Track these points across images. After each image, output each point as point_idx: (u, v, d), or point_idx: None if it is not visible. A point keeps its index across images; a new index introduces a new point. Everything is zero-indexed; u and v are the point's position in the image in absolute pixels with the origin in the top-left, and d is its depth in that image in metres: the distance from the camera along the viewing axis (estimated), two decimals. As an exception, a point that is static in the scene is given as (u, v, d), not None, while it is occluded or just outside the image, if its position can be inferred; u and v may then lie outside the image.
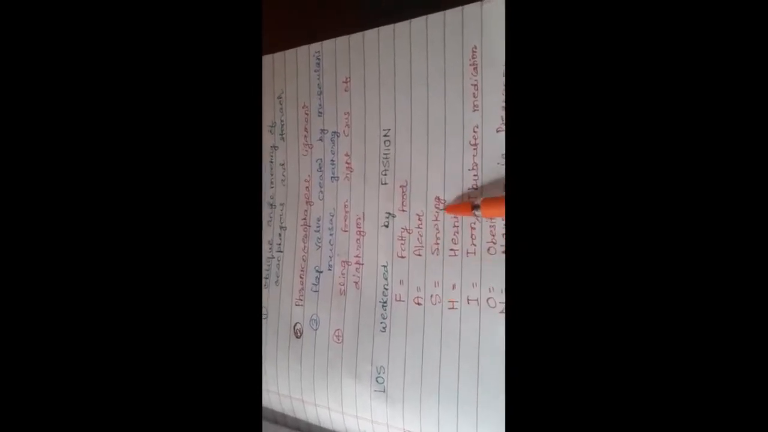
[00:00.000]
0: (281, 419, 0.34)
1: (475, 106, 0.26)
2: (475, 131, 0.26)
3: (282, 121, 0.34)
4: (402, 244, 0.29)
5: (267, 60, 0.34)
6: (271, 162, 0.34)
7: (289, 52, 0.33)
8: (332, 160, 0.32)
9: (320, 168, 0.32)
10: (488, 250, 0.26)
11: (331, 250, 0.31)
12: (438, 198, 0.27)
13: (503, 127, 0.25)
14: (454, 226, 0.27)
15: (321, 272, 0.32)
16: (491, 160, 0.26)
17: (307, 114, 0.33)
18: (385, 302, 0.29)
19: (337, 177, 0.31)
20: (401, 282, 0.28)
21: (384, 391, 0.28)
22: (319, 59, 0.32)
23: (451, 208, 0.26)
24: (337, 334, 0.31)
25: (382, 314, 0.29)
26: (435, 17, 0.27)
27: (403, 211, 0.29)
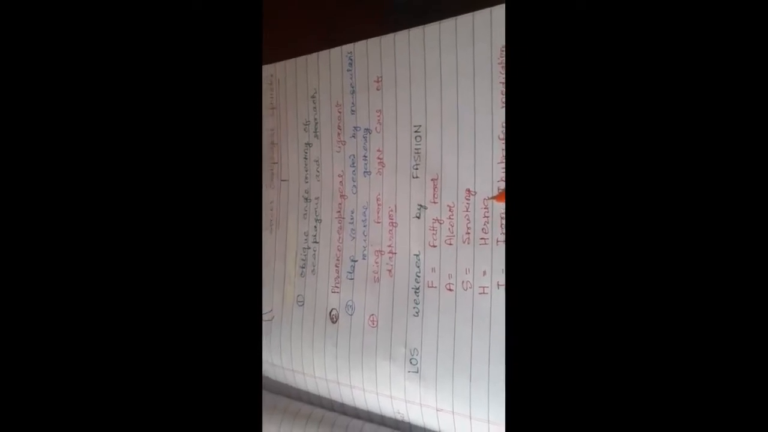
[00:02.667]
0: (316, 401, 0.36)
1: (503, 102, 0.28)
2: (503, 126, 0.28)
3: (316, 119, 0.36)
4: (433, 234, 0.30)
5: (300, 61, 0.36)
6: (306, 158, 0.36)
7: (323, 54, 0.35)
8: (365, 156, 0.33)
9: (353, 163, 0.34)
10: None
11: (364, 240, 0.33)
12: (468, 190, 0.29)
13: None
14: (485, 216, 0.28)
15: (356, 261, 0.34)
16: (519, 153, 0.27)
17: (340, 112, 0.34)
18: (418, 288, 0.31)
19: (370, 172, 0.33)
20: (433, 269, 0.30)
21: (417, 372, 0.30)
22: (351, 60, 0.34)
23: (500, 197, 0.28)
24: (371, 318, 0.32)
25: (414, 300, 0.31)
26: (464, 19, 0.29)
27: (435, 202, 0.30)
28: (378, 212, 0.33)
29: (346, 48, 0.34)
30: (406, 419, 0.32)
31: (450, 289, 0.29)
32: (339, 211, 0.35)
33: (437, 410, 0.30)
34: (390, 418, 0.32)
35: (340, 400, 0.34)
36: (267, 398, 0.36)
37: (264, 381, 0.39)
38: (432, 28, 0.30)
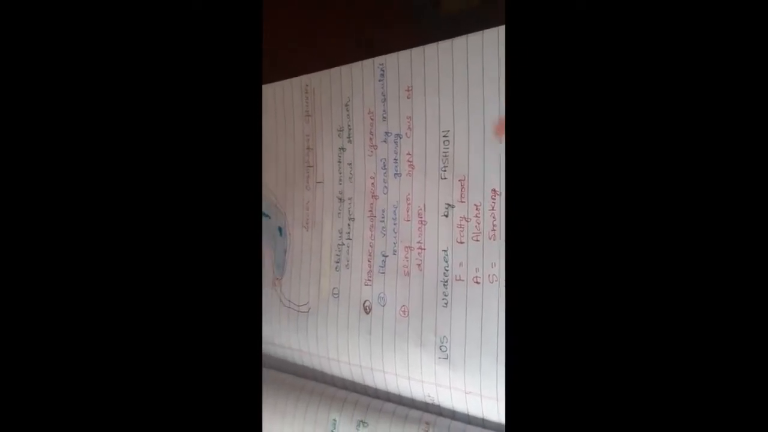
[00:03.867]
0: (350, 386, 0.39)
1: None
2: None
3: (349, 125, 0.38)
4: (461, 231, 0.33)
5: (335, 72, 0.39)
6: (339, 162, 0.39)
7: (356, 65, 0.38)
8: (395, 159, 0.36)
9: (384, 166, 0.37)
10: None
11: (395, 237, 0.36)
12: (494, 190, 0.32)
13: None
14: (508, 215, 0.31)
15: (386, 256, 0.36)
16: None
17: (372, 119, 0.37)
18: (446, 282, 0.33)
19: (400, 173, 0.36)
20: (461, 264, 0.33)
21: (447, 358, 0.33)
22: (383, 70, 0.36)
23: (499, 129, 0.29)
24: (403, 309, 0.35)
25: (443, 292, 0.33)
26: (490, 33, 0.31)
27: (462, 202, 0.33)
28: (408, 211, 0.36)
29: (378, 60, 0.36)
30: (435, 402, 0.34)
31: (477, 282, 0.32)
32: (371, 210, 0.37)
33: (466, 393, 0.32)
34: (420, 401, 0.35)
35: (373, 385, 0.37)
36: (306, 385, 0.39)
37: (300, 368, 0.41)
38: (460, 41, 0.33)
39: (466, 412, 0.33)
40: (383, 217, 0.37)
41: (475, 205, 0.32)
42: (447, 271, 0.33)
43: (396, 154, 0.36)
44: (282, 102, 0.42)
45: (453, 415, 0.34)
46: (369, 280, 0.37)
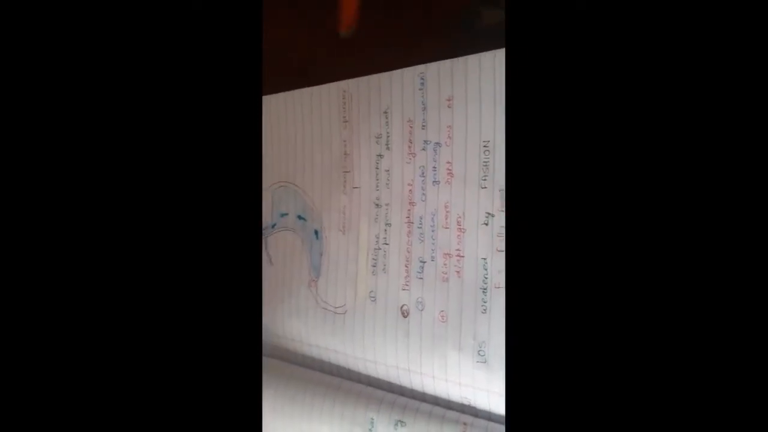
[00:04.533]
0: (386, 386, 0.40)
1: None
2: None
3: (388, 133, 0.39)
4: (500, 239, 0.34)
5: (374, 79, 0.39)
6: (377, 168, 0.40)
7: (395, 73, 0.38)
8: (434, 167, 0.37)
9: (422, 173, 0.37)
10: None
11: (433, 243, 0.37)
12: (535, 201, 0.32)
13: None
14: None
15: (424, 262, 0.37)
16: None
17: (411, 127, 0.38)
18: (485, 289, 0.34)
19: (439, 181, 0.37)
20: (500, 272, 0.34)
21: (485, 362, 0.34)
22: (423, 79, 0.37)
23: None
24: (441, 314, 0.36)
25: (482, 299, 0.34)
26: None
27: (502, 211, 0.34)
28: (446, 218, 0.36)
29: (419, 69, 0.37)
30: (472, 404, 0.35)
31: (517, 290, 0.33)
32: (408, 217, 0.38)
33: (502, 396, 0.33)
34: (456, 403, 0.36)
35: (409, 386, 0.38)
36: (342, 384, 0.41)
37: (335, 368, 0.43)
38: (502, 54, 0.33)
39: (502, 413, 0.34)
40: (420, 224, 0.38)
41: (516, 215, 0.33)
42: (486, 278, 0.34)
43: (435, 162, 0.37)
44: (319, 107, 0.43)
45: (489, 416, 0.35)
46: (407, 284, 0.38)
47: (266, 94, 0.46)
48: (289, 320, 0.45)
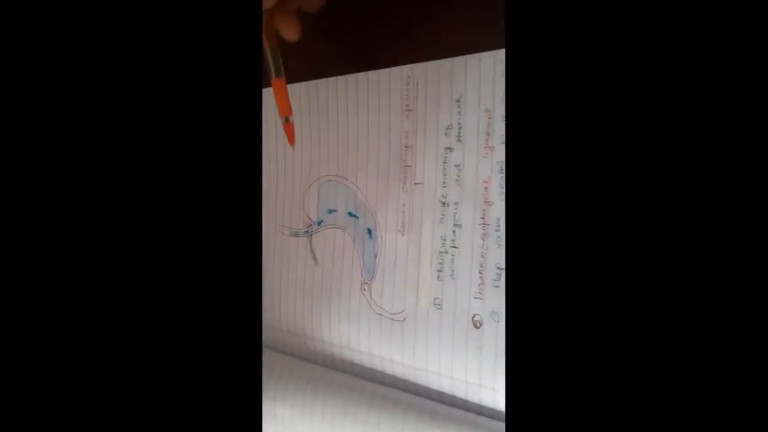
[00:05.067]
0: (449, 400, 0.37)
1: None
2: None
3: (460, 123, 0.35)
4: (596, 247, 0.30)
5: (444, 64, 0.35)
6: (444, 163, 0.36)
7: (471, 58, 0.34)
8: (515, 164, 0.33)
9: (501, 170, 0.34)
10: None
11: (511, 248, 0.33)
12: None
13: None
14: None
15: (502, 269, 0.34)
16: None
17: (489, 118, 0.34)
18: (576, 300, 0.31)
19: (520, 180, 0.33)
20: (593, 282, 0.30)
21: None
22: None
23: None
24: (522, 327, 0.33)
25: (572, 311, 0.31)
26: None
27: (600, 216, 0.30)
28: (527, 221, 0.33)
29: (499, 54, 0.33)
30: (554, 424, 0.32)
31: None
32: (483, 218, 0.35)
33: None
34: (534, 422, 0.33)
35: (478, 402, 0.35)
36: (401, 397, 0.37)
37: (390, 378, 0.40)
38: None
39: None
40: (498, 226, 0.34)
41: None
42: (576, 289, 0.31)
43: (515, 158, 0.33)
44: (377, 94, 0.39)
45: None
46: (480, 293, 0.35)
47: (316, 78, 0.41)
48: (338, 325, 0.42)
